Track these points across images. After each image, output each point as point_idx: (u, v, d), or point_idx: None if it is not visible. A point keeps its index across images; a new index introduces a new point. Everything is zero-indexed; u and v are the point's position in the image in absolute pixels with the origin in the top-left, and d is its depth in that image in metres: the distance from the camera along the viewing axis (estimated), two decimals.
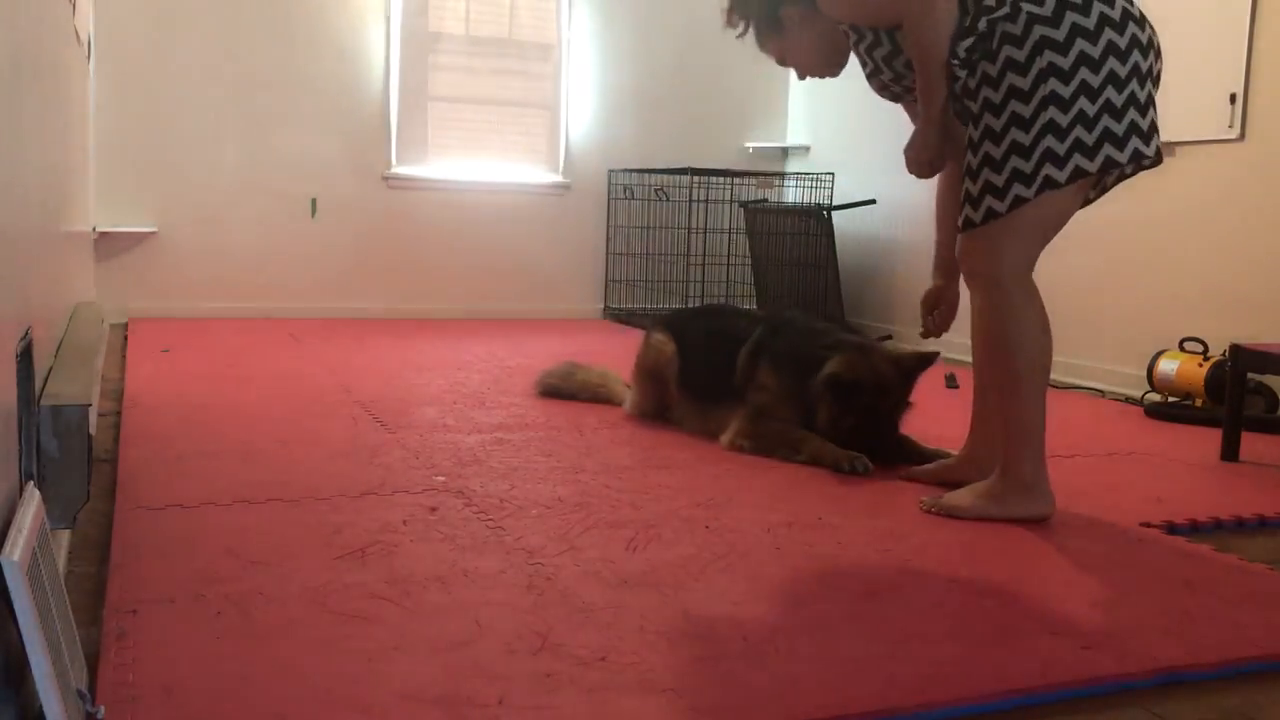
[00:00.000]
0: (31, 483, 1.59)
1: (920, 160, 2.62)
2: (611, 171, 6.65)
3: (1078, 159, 2.36)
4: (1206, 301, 4.25)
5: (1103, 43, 2.35)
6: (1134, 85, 2.38)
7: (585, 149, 6.67)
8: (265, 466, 2.77)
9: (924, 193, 5.76)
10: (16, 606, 1.21)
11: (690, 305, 4.27)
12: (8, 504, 1.40)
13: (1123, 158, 2.38)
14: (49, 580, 1.38)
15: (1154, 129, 2.42)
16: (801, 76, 2.93)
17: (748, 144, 6.98)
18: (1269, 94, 4.08)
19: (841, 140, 6.55)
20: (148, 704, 1.46)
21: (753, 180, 6.61)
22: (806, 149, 6.86)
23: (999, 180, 2.41)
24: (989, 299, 2.49)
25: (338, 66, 6.11)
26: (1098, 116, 2.36)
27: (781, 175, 6.95)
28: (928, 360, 3.12)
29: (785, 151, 7.02)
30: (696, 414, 3.40)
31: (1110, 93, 2.36)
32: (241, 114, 5.94)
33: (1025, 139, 2.38)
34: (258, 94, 5.96)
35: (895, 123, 5.97)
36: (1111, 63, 2.36)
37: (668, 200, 6.62)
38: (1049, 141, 2.37)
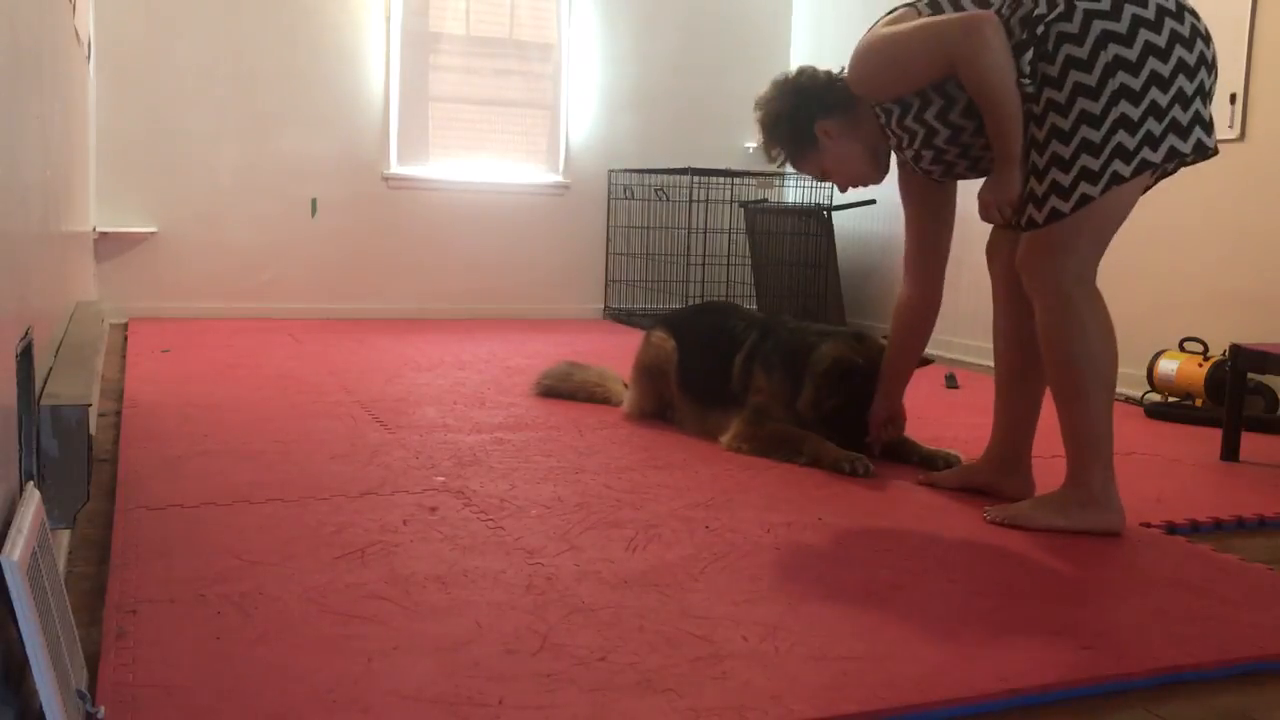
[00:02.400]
0: (31, 483, 1.59)
1: (1003, 203, 2.44)
2: (611, 171, 6.65)
3: (1145, 152, 2.32)
4: (1206, 301, 4.25)
5: (1166, 31, 2.30)
6: (1202, 74, 2.34)
7: (585, 149, 6.67)
8: (265, 466, 2.77)
9: None
10: (16, 606, 1.21)
11: (690, 304, 4.22)
12: (8, 504, 1.40)
13: (1186, 148, 2.33)
14: (49, 580, 1.38)
15: (1212, 121, 2.39)
16: (844, 188, 2.78)
17: (748, 144, 6.97)
18: (1269, 94, 4.08)
19: None
20: (148, 704, 1.46)
21: (753, 180, 6.61)
22: None
23: (1066, 180, 2.35)
24: (1051, 307, 2.41)
25: (338, 66, 6.11)
26: (1169, 107, 2.31)
27: (781, 175, 6.95)
28: (921, 362, 3.12)
29: None
30: (696, 415, 3.40)
31: (1182, 81, 2.31)
32: (241, 114, 5.94)
33: (1096, 136, 2.32)
34: (258, 94, 5.96)
35: None
36: (1180, 50, 2.31)
37: (668, 200, 6.62)
38: (1120, 137, 2.31)
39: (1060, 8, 2.35)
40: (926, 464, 2.99)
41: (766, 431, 3.12)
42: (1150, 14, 2.31)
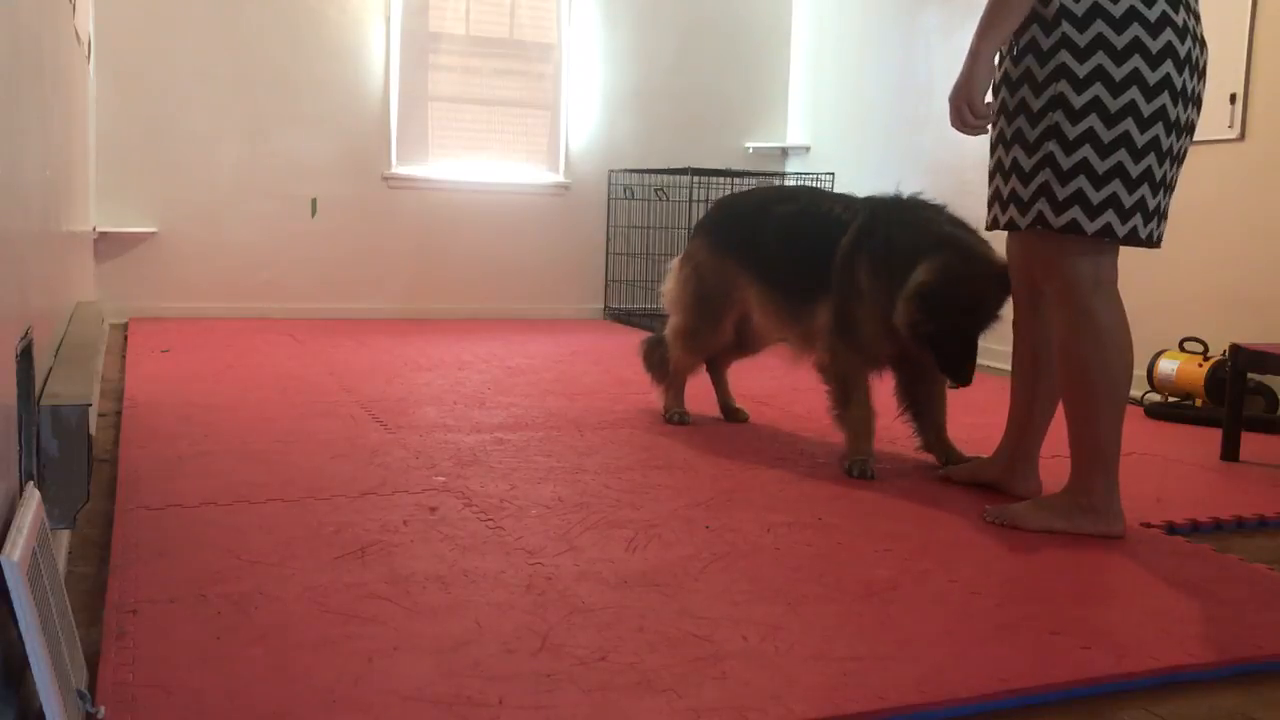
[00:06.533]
0: (31, 483, 1.59)
1: (956, 99, 2.35)
2: (611, 171, 6.65)
3: (1109, 214, 2.29)
4: (1206, 301, 4.25)
5: (1123, 100, 2.24)
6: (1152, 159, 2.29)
7: (585, 149, 6.67)
8: (265, 466, 2.77)
9: (923, 193, 5.77)
10: (16, 606, 1.21)
11: (732, 196, 3.67)
12: (8, 504, 1.40)
13: (1147, 231, 2.32)
14: (49, 580, 1.38)
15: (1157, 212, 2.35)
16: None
17: (748, 144, 6.97)
18: (1269, 94, 4.08)
19: (841, 140, 6.55)
20: (148, 704, 1.46)
21: (753, 180, 6.61)
22: (806, 149, 6.86)
23: (1060, 194, 2.31)
24: (1070, 317, 2.37)
25: (338, 66, 6.11)
26: (1105, 178, 2.27)
27: (782, 175, 6.95)
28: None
29: (785, 151, 7.02)
30: (787, 316, 3.15)
31: (1124, 156, 2.27)
32: (241, 114, 5.94)
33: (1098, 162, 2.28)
34: (258, 94, 5.95)
35: (895, 123, 6.00)
36: (1128, 124, 2.26)
37: (668, 200, 6.62)
38: (1046, 176, 2.30)
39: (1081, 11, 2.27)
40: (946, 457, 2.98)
41: (844, 362, 2.94)
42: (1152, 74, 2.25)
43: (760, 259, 3.24)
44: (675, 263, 3.57)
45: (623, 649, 1.69)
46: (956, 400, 4.20)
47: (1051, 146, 2.30)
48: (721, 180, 6.46)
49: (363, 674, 1.57)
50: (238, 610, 1.79)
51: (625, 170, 6.60)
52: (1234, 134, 4.15)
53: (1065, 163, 2.29)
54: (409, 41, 6.24)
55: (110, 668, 1.56)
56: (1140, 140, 2.27)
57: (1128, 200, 2.29)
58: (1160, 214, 2.35)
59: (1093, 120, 2.26)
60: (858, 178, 6.27)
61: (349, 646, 1.67)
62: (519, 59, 6.51)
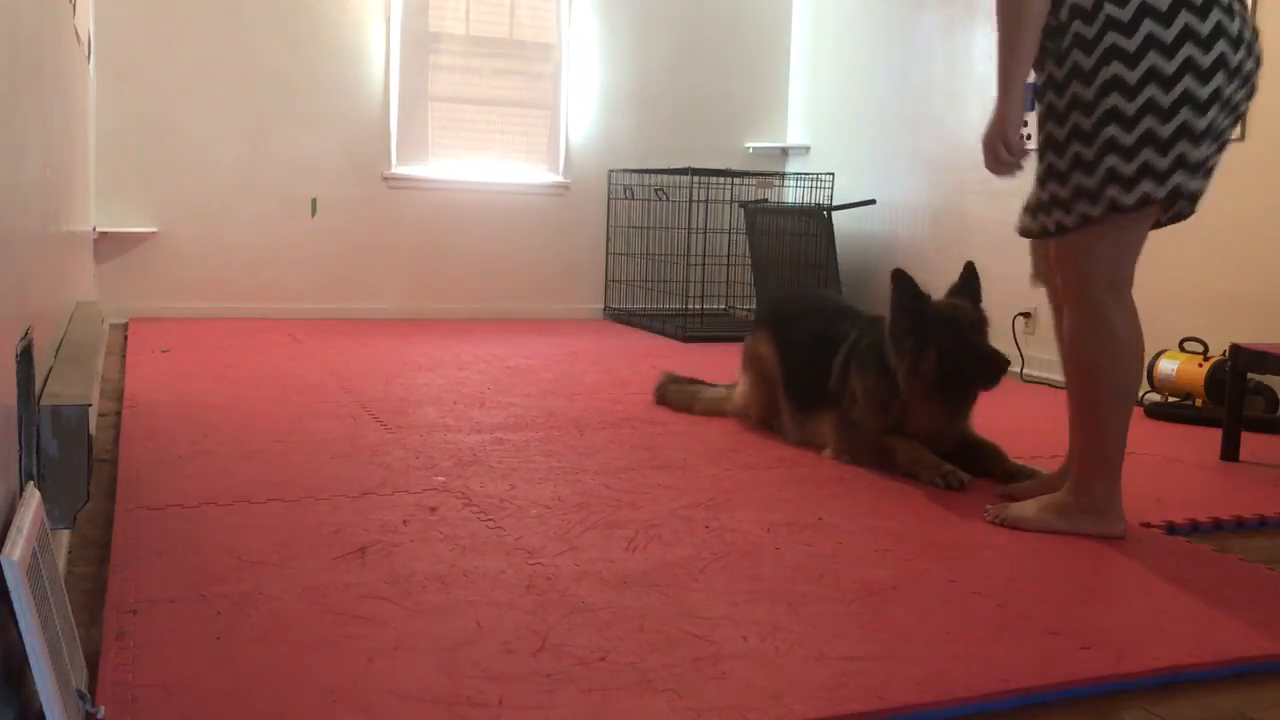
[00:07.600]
0: (31, 483, 1.59)
1: (990, 140, 2.35)
2: (611, 171, 6.65)
3: (1146, 184, 2.24)
4: (1206, 301, 4.25)
5: (1179, 59, 2.21)
6: (1214, 112, 2.26)
7: (585, 149, 6.67)
8: (265, 466, 2.77)
9: (923, 193, 5.79)
10: (16, 606, 1.21)
11: (800, 293, 3.91)
12: (8, 504, 1.40)
13: (1160, 191, 2.27)
14: (49, 580, 1.38)
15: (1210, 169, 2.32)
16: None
17: (748, 144, 6.97)
18: (1269, 94, 4.07)
19: (841, 140, 6.55)
20: (148, 704, 1.46)
21: (753, 180, 6.61)
22: (806, 149, 6.86)
23: (1064, 193, 2.30)
24: (1083, 315, 2.36)
25: (338, 66, 6.11)
26: (1170, 142, 2.23)
27: (781, 175, 6.95)
28: (970, 271, 2.97)
29: (785, 151, 7.02)
30: (796, 422, 3.33)
31: (1188, 114, 2.22)
32: (241, 114, 5.93)
33: (1089, 154, 2.26)
34: (258, 94, 5.95)
35: (895, 123, 5.99)
36: (1188, 81, 2.21)
37: (668, 200, 6.62)
38: (1112, 160, 2.24)
39: (1088, 5, 2.25)
40: (1011, 478, 2.86)
41: (859, 445, 3.04)
42: (1169, 36, 2.20)
43: (787, 361, 3.41)
44: (750, 337, 3.67)
45: (623, 649, 1.69)
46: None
47: (1112, 130, 2.25)
48: (721, 180, 6.46)
49: (363, 674, 1.57)
50: (238, 610, 1.79)
51: (625, 170, 6.60)
52: (1234, 134, 4.14)
53: (1127, 139, 2.24)
54: (409, 41, 6.24)
55: (110, 668, 1.56)
56: (1203, 95, 2.23)
57: (1194, 156, 2.26)
58: (1209, 172, 2.34)
59: (1152, 90, 2.22)
60: (858, 178, 6.27)
61: (349, 646, 1.67)
62: (519, 59, 6.51)
